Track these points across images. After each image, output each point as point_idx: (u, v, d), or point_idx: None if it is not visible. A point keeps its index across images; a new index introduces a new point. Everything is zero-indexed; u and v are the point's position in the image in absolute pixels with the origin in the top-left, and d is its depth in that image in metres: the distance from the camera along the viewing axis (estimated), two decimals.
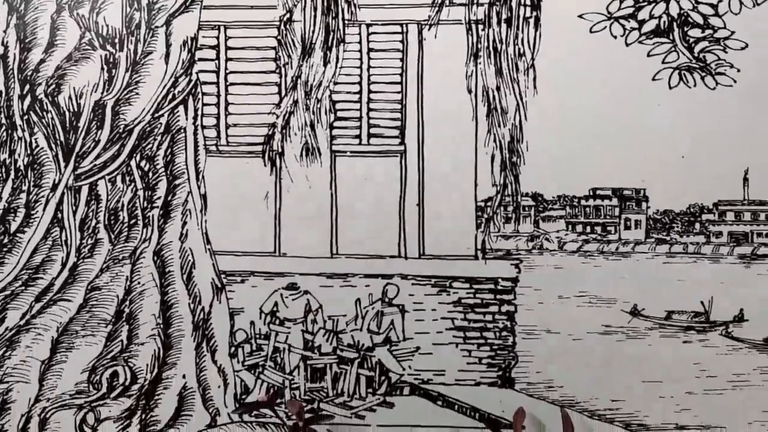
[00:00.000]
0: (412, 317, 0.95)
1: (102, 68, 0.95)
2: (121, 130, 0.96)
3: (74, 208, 0.97)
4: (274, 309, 0.96)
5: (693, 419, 0.92)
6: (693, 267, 0.91)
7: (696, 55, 0.89)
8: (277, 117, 0.94)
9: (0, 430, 0.98)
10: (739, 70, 0.89)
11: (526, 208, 0.93)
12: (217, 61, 0.96)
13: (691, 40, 0.89)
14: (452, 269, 0.94)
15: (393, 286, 0.95)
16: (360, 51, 0.95)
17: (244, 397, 0.97)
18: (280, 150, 0.95)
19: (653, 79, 0.90)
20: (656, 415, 0.92)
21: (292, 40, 0.94)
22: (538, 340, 0.93)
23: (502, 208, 0.93)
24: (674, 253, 0.91)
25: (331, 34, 0.94)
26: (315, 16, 0.94)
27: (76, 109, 0.96)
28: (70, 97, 0.95)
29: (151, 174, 0.96)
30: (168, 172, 0.96)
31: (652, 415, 0.92)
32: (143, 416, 0.98)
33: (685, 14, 0.89)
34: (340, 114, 0.94)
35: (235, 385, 0.97)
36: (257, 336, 0.96)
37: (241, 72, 0.95)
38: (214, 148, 0.96)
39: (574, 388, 0.93)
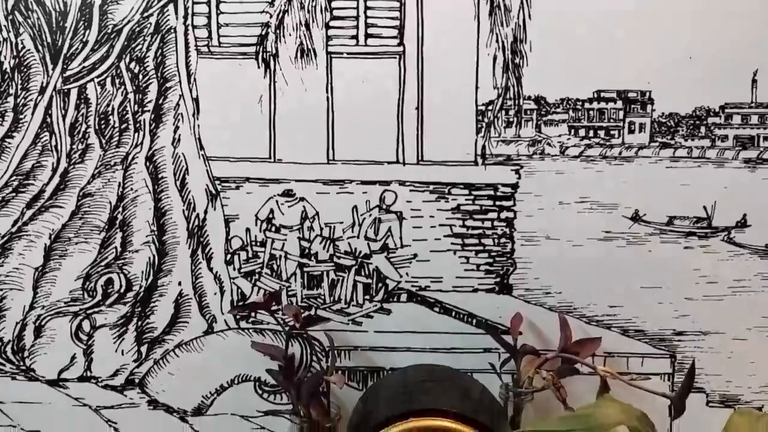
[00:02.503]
0: (409, 224, 0.93)
1: None
2: (109, 31, 0.92)
3: (63, 112, 0.94)
4: (270, 216, 0.95)
5: (691, 325, 0.92)
6: (697, 171, 0.89)
7: None
8: (271, 16, 0.91)
9: None
10: None
11: (528, 112, 0.90)
12: None
13: None
14: (451, 175, 0.92)
15: (390, 193, 0.93)
16: None
17: (240, 304, 0.96)
18: (273, 51, 0.91)
19: None
20: (654, 322, 0.92)
21: None
22: (537, 247, 0.92)
23: (503, 112, 0.91)
24: (678, 158, 0.89)
25: None
26: None
27: (62, 9, 0.92)
28: None
29: (141, 76, 0.93)
30: (158, 74, 0.93)
31: (650, 321, 0.92)
32: (139, 323, 0.97)
33: None
34: (336, 13, 0.91)
35: (232, 292, 0.96)
36: (253, 243, 0.95)
37: None
38: (205, 49, 0.92)
39: (572, 295, 0.93)
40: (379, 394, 0.79)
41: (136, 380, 0.98)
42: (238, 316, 0.96)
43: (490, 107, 0.91)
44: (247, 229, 0.95)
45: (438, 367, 0.90)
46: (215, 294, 0.96)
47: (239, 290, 0.96)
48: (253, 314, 0.96)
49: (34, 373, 0.99)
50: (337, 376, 0.87)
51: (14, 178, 0.96)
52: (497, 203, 0.92)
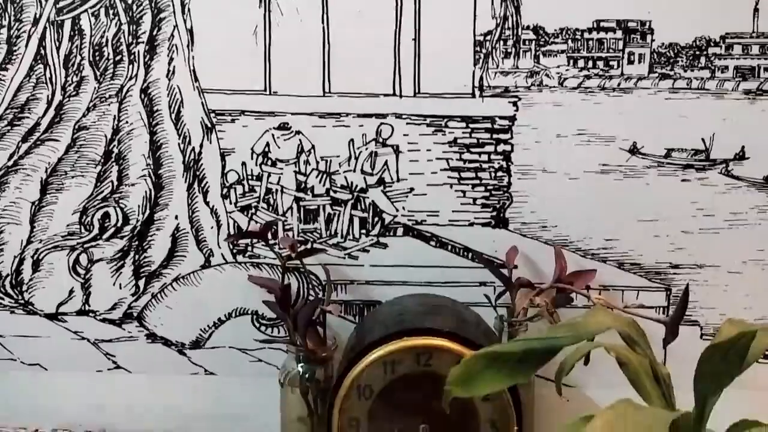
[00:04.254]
0: (406, 158, 0.93)
1: None
2: None
3: (57, 44, 0.93)
4: (266, 149, 0.94)
5: (687, 258, 0.92)
6: (696, 103, 0.88)
7: None
8: None
9: None
10: None
11: (527, 42, 0.89)
12: None
13: None
14: (448, 108, 0.92)
15: (387, 126, 0.93)
16: None
17: (236, 233, 0.96)
18: None
19: None
20: (650, 255, 0.92)
21: None
22: (534, 180, 0.92)
23: (501, 43, 0.89)
24: (677, 89, 0.88)
25: None
26: None
27: None
28: None
29: (135, 7, 0.92)
30: (152, 4, 0.92)
31: (646, 254, 0.92)
32: (136, 257, 0.98)
33: None
34: None
35: (228, 226, 0.96)
36: (249, 177, 0.95)
37: None
38: None
39: (568, 228, 0.92)
40: (374, 319, 0.80)
41: (134, 314, 0.99)
42: (234, 250, 0.96)
43: (488, 37, 0.89)
44: (243, 163, 0.95)
45: (434, 296, 0.90)
46: (212, 228, 0.96)
47: (236, 224, 0.96)
48: (249, 247, 0.96)
49: (32, 307, 0.99)
50: (334, 306, 0.87)
51: (9, 111, 0.95)
52: (494, 136, 0.92)
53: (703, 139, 0.89)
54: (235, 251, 0.96)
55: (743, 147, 0.89)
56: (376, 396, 0.70)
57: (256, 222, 0.95)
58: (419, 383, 0.69)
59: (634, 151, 0.90)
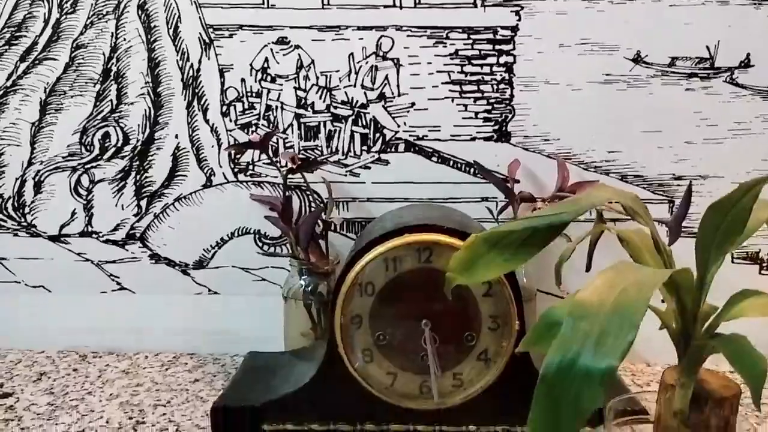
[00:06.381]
0: (407, 71, 0.92)
1: None
2: None
3: None
4: (265, 65, 0.93)
5: (691, 169, 0.91)
6: (700, 9, 0.87)
7: None
8: None
9: None
10: None
11: None
12: None
13: None
14: (450, 19, 0.90)
15: (387, 39, 0.91)
16: None
17: (238, 156, 0.96)
18: None
19: None
20: (653, 167, 0.92)
21: None
22: (536, 92, 0.91)
23: None
24: None
25: None
26: None
27: None
28: None
29: None
30: None
31: (649, 166, 0.92)
32: (138, 177, 0.97)
33: None
34: None
35: (229, 144, 0.96)
36: (249, 94, 0.94)
37: None
38: None
39: (570, 141, 0.92)
40: (375, 225, 0.80)
41: (137, 234, 0.99)
42: (236, 169, 0.96)
43: None
44: (243, 80, 0.94)
45: (435, 205, 0.90)
46: (212, 147, 0.96)
47: (236, 142, 0.95)
48: (251, 166, 0.96)
49: (35, 229, 0.99)
50: (336, 217, 0.87)
51: (6, 30, 0.94)
52: (496, 47, 0.90)
53: (707, 47, 0.88)
54: (236, 170, 0.96)
55: (748, 54, 0.88)
56: (377, 293, 0.70)
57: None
58: (421, 280, 0.69)
59: (637, 60, 0.89)
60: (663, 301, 0.53)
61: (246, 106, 0.94)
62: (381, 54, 0.92)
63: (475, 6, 0.89)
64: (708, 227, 0.48)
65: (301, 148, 0.95)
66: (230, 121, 0.95)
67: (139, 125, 0.96)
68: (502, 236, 0.54)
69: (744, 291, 0.51)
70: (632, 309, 0.41)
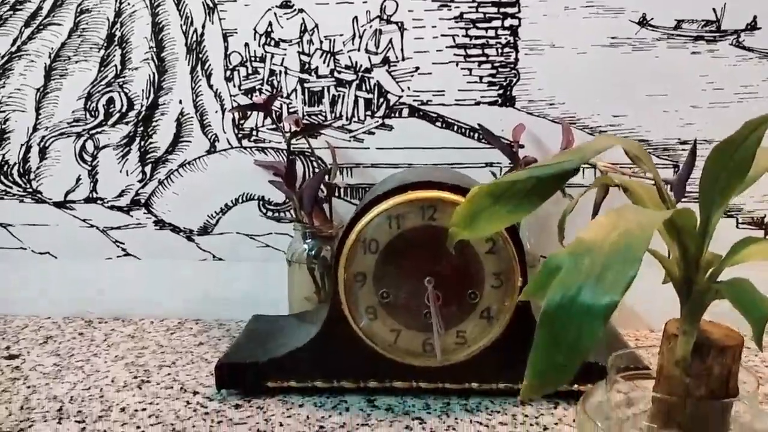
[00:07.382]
0: (411, 35, 0.92)
1: None
2: None
3: None
4: (269, 29, 0.93)
5: (696, 133, 0.90)
6: None
7: None
8: None
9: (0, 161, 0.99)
10: None
11: None
12: None
13: None
14: None
15: (392, 2, 0.91)
16: None
17: (242, 122, 0.96)
18: None
19: None
20: (659, 131, 0.91)
21: None
22: (541, 56, 0.90)
23: None
24: None
25: None
26: None
27: None
28: None
29: None
30: None
31: (655, 130, 0.91)
32: (142, 143, 0.98)
33: None
34: None
35: (233, 109, 0.96)
36: (252, 59, 0.94)
37: None
38: None
39: (575, 105, 0.91)
40: (377, 186, 0.79)
41: (142, 200, 0.99)
42: (239, 135, 0.96)
43: None
44: (246, 44, 0.94)
45: (440, 167, 0.90)
46: (216, 112, 0.96)
47: (239, 105, 0.95)
48: (255, 132, 0.96)
49: (41, 195, 1.00)
50: (339, 179, 0.87)
51: None
52: (501, 10, 0.90)
53: (714, 9, 0.87)
54: (240, 135, 0.96)
55: (755, 17, 0.87)
56: (381, 250, 0.70)
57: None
58: (425, 238, 0.69)
59: (643, 23, 0.88)
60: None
61: (250, 71, 0.94)
62: (385, 17, 0.91)
63: None
64: (712, 169, 0.47)
65: (305, 114, 0.95)
66: (234, 86, 0.95)
67: (143, 90, 0.96)
68: (505, 188, 0.53)
69: (747, 238, 0.51)
70: (634, 245, 0.40)
